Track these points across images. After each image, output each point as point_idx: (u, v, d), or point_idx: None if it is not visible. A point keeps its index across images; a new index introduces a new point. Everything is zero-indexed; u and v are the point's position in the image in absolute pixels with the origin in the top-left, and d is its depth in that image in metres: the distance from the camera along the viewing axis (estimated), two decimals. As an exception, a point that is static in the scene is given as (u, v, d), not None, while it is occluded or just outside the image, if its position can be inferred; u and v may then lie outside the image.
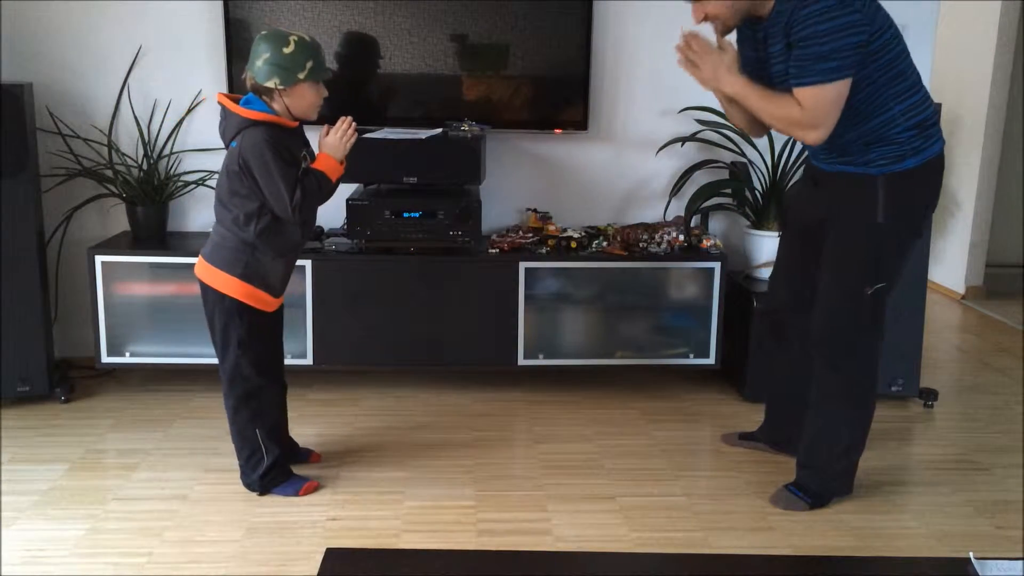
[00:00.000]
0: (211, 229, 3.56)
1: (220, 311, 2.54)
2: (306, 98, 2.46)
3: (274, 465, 2.64)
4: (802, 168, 3.08)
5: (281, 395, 2.71)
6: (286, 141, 2.45)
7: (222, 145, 3.72)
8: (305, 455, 2.84)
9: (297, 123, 2.51)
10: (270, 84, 2.41)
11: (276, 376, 2.71)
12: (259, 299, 2.55)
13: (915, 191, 2.52)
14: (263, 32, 2.48)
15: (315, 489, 2.67)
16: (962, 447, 3.13)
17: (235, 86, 3.42)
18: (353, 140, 2.54)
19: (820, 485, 2.67)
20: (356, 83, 3.54)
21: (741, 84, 2.45)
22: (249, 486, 2.66)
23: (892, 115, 2.44)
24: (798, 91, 2.37)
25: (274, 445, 2.64)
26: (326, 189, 2.50)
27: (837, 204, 2.57)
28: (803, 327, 2.70)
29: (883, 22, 2.40)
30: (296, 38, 2.43)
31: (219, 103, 2.51)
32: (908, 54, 2.47)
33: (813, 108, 2.36)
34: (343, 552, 2.33)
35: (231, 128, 2.48)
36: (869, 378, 2.64)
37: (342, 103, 3.55)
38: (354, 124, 2.55)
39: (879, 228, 2.50)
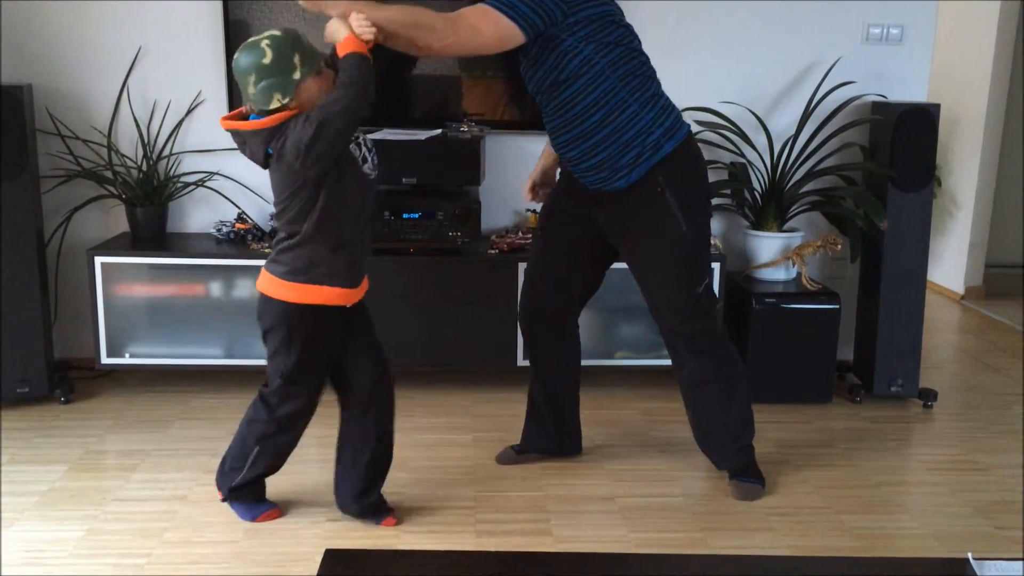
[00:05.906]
0: (214, 231, 3.55)
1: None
2: (313, 91, 2.20)
3: (246, 485, 2.49)
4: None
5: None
6: None
7: (221, 145, 3.70)
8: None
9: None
10: (275, 104, 2.17)
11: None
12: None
13: (689, 170, 2.51)
14: (236, 55, 2.21)
15: (274, 518, 2.52)
16: (962, 447, 3.13)
17: (235, 87, 3.42)
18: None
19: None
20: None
21: None
22: (219, 486, 2.52)
23: (633, 111, 2.44)
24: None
25: (261, 469, 2.49)
26: (361, 68, 2.16)
27: (629, 219, 2.54)
28: (561, 328, 2.80)
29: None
30: (267, 41, 2.17)
31: (228, 130, 2.26)
32: (636, 46, 2.49)
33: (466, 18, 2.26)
34: (343, 552, 2.33)
35: (259, 143, 2.22)
36: (733, 353, 2.69)
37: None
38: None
39: (682, 230, 2.49)
